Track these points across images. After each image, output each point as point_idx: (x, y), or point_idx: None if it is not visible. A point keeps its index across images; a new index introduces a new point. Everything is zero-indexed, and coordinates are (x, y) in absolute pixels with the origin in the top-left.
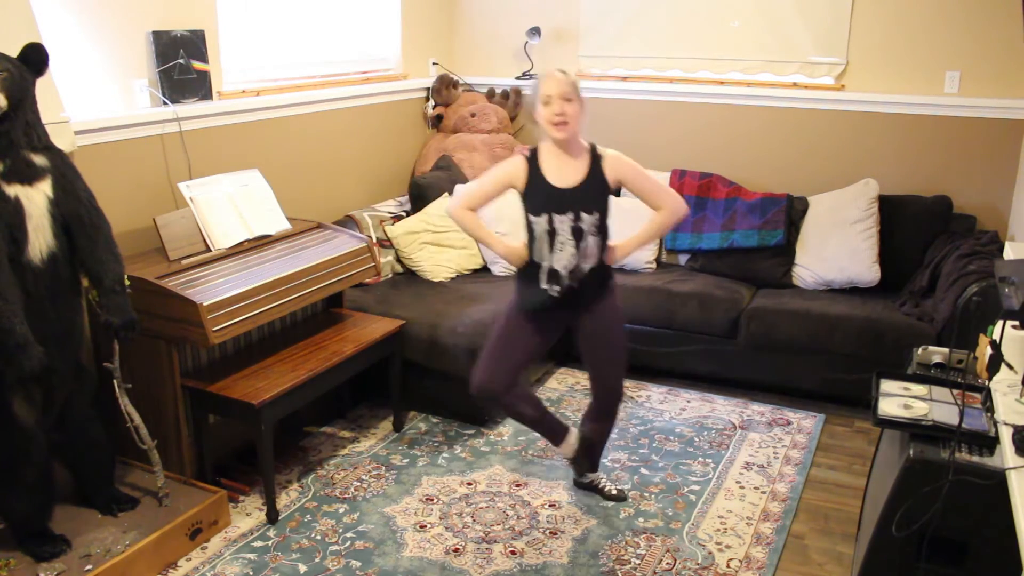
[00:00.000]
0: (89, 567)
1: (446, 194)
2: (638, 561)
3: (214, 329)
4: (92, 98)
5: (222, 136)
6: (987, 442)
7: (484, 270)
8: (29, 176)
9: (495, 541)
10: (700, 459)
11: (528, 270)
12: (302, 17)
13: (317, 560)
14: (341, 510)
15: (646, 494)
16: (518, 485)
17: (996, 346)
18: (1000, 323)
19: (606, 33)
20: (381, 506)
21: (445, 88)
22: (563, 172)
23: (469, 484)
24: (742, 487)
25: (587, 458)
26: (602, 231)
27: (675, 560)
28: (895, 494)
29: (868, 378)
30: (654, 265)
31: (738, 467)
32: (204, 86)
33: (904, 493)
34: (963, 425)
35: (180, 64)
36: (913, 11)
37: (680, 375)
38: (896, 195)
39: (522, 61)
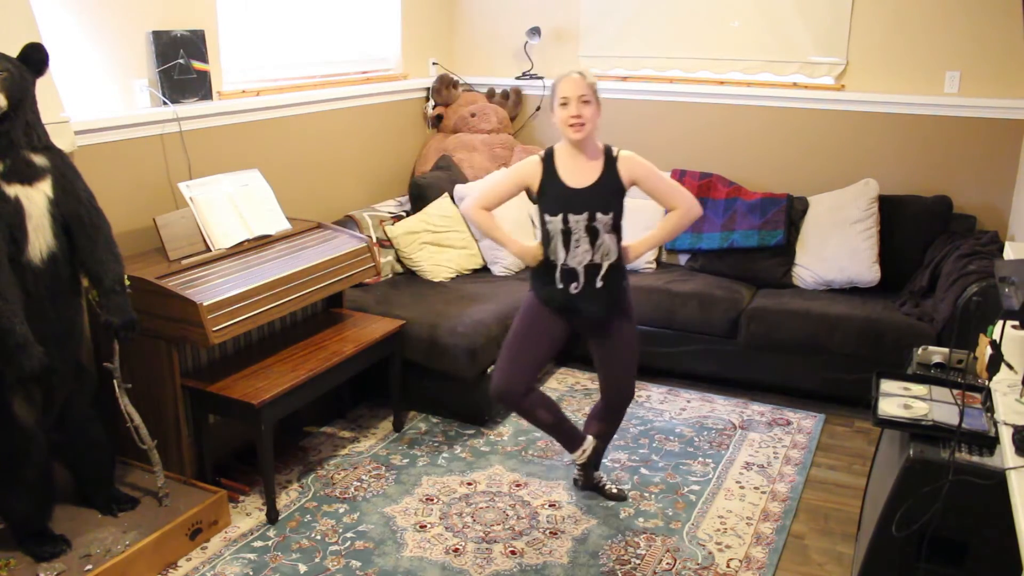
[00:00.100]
0: (89, 567)
1: (446, 194)
2: (638, 561)
3: (214, 329)
4: (92, 98)
5: (222, 136)
6: (987, 442)
7: (484, 270)
8: (29, 176)
9: (495, 541)
10: (700, 459)
11: (543, 269)
12: (302, 17)
13: (317, 560)
14: (341, 510)
15: (646, 494)
16: (518, 485)
17: (996, 346)
18: (1000, 323)
19: (606, 33)
20: (381, 506)
21: (445, 88)
22: (578, 172)
23: (469, 484)
24: (742, 487)
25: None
26: (616, 230)
27: (675, 560)
28: (895, 494)
29: (868, 378)
30: (654, 265)
31: (738, 467)
32: (204, 86)
33: (904, 493)
34: (963, 425)
35: (180, 64)
36: (913, 11)
37: (680, 375)
38: (896, 195)
39: (522, 61)
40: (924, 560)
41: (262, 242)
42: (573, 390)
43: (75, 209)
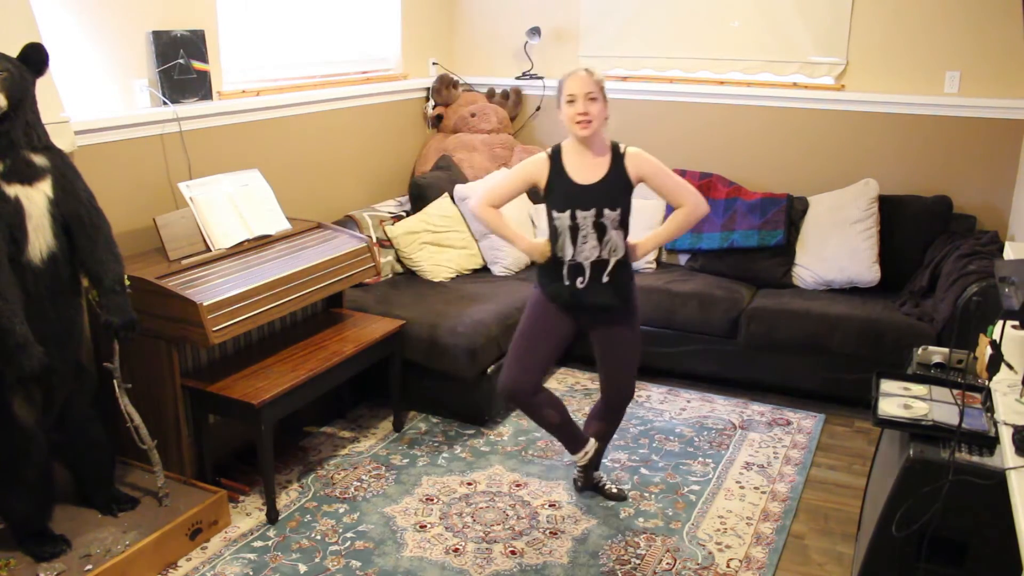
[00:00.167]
0: (89, 567)
1: (446, 194)
2: (638, 561)
3: (214, 329)
4: (92, 98)
5: (222, 136)
6: (987, 442)
7: (484, 270)
8: (29, 176)
9: (495, 541)
10: (700, 459)
11: (550, 266)
12: (302, 17)
13: (317, 560)
14: (341, 510)
15: (646, 494)
16: (518, 485)
17: (996, 346)
18: (1000, 323)
19: (606, 33)
20: (381, 506)
21: (445, 88)
22: (586, 169)
23: (469, 484)
24: (742, 487)
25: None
26: (624, 227)
27: (675, 560)
28: (895, 494)
29: (868, 378)
30: (654, 265)
31: (738, 467)
32: (204, 86)
33: (904, 493)
34: (963, 425)
35: (180, 64)
36: (913, 11)
37: (680, 375)
38: (896, 195)
39: (522, 61)
40: (924, 560)
41: (262, 242)
42: (573, 390)
43: (75, 209)
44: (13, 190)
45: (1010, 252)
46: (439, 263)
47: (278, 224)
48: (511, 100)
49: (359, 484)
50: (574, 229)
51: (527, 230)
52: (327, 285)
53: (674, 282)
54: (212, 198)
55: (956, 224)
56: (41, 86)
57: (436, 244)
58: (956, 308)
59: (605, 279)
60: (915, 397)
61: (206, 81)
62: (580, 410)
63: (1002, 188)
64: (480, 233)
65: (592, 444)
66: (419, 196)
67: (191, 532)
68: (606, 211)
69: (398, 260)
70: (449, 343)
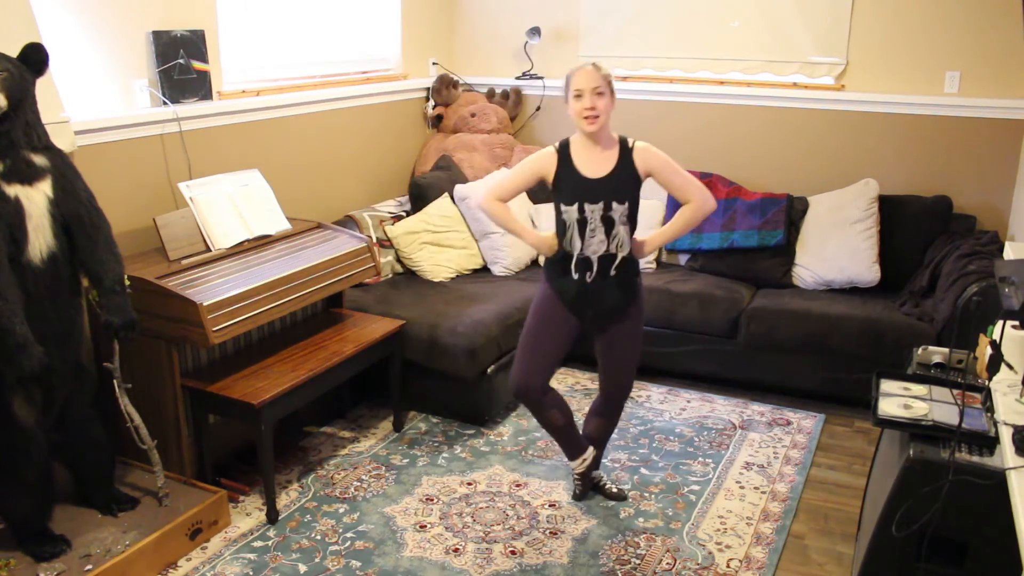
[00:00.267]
0: (89, 567)
1: (446, 194)
2: (638, 561)
3: (214, 329)
4: (92, 98)
5: (222, 136)
6: (987, 442)
7: (484, 270)
8: (29, 176)
9: (495, 541)
10: (700, 459)
11: (558, 260)
12: (302, 17)
13: (317, 560)
14: (341, 510)
15: (646, 494)
16: (518, 485)
17: (996, 346)
18: (1000, 323)
19: (606, 33)
20: (381, 506)
21: (445, 88)
22: (594, 163)
23: (469, 484)
24: (742, 487)
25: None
26: (632, 221)
27: (675, 560)
28: (895, 494)
29: (868, 378)
30: (654, 265)
31: (738, 467)
32: (204, 86)
33: (904, 493)
34: (963, 425)
35: (180, 64)
36: (913, 11)
37: (680, 375)
38: (896, 195)
39: (522, 61)
40: (924, 560)
41: (262, 242)
42: (573, 390)
43: (75, 209)
44: (13, 190)
45: (1010, 252)
46: (439, 263)
47: (278, 224)
48: (511, 100)
49: (359, 484)
50: (582, 223)
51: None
52: (327, 285)
53: (674, 282)
54: (212, 198)
55: (956, 224)
56: (41, 86)
57: (436, 244)
58: (956, 308)
59: (612, 273)
60: (915, 397)
61: (206, 81)
62: (580, 410)
63: (1002, 188)
64: (480, 233)
65: (591, 452)
66: (419, 196)
67: (191, 532)
68: (614, 204)
69: (398, 260)
70: (449, 343)
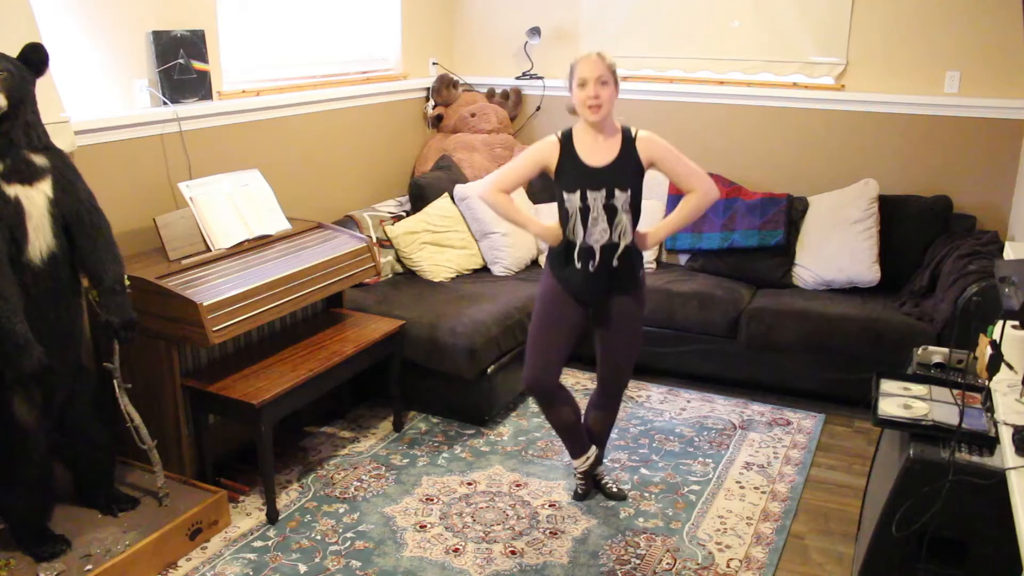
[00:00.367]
0: (89, 567)
1: (446, 194)
2: (638, 561)
3: (214, 329)
4: (92, 98)
5: (222, 136)
6: (987, 442)
7: (484, 270)
8: (29, 176)
9: (495, 541)
10: (700, 459)
11: (561, 250)
12: (302, 17)
13: (317, 560)
14: (341, 510)
15: (646, 494)
16: (518, 485)
17: (996, 346)
18: (1000, 323)
19: (606, 33)
20: (381, 506)
21: (445, 88)
22: (597, 151)
23: (469, 484)
24: (742, 487)
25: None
26: (634, 210)
27: (675, 560)
28: (895, 494)
29: (868, 378)
30: (654, 265)
31: (738, 467)
32: (204, 86)
33: (904, 493)
34: (963, 425)
35: (180, 64)
36: (913, 11)
37: (680, 375)
38: (896, 195)
39: (522, 61)
40: (924, 560)
41: (262, 242)
42: (573, 390)
43: (75, 209)
44: (13, 190)
45: (1010, 252)
46: (439, 263)
47: (278, 224)
48: (511, 100)
49: (359, 484)
50: (584, 211)
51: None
52: (327, 285)
53: (674, 282)
54: (212, 198)
55: (956, 224)
56: (41, 86)
57: (436, 244)
58: (956, 308)
59: (615, 263)
60: (915, 397)
61: (206, 81)
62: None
63: (1002, 188)
64: (480, 233)
65: (593, 451)
66: (419, 196)
67: (191, 532)
68: (617, 192)
69: (398, 260)
70: (449, 343)
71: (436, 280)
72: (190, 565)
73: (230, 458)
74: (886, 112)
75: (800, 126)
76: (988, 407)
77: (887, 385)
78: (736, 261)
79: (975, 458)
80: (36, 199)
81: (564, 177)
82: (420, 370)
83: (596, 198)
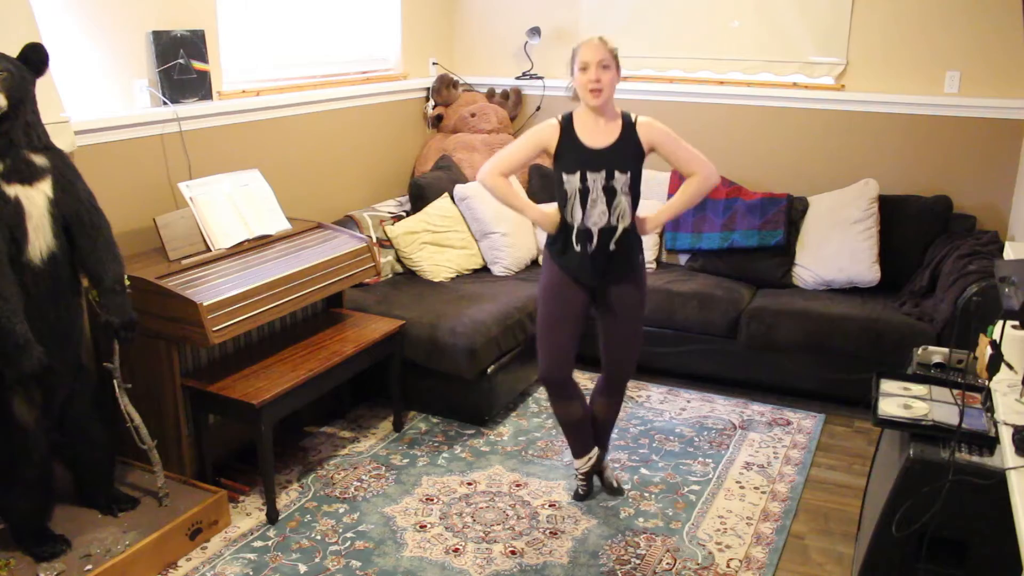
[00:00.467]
0: (89, 567)
1: (446, 194)
2: (638, 561)
3: (214, 329)
4: (92, 98)
5: (222, 136)
6: (987, 442)
7: (484, 270)
8: (29, 176)
9: (495, 541)
10: (700, 459)
11: (559, 237)
12: (302, 17)
13: (317, 560)
14: (341, 510)
15: (646, 494)
16: (518, 485)
17: (996, 346)
18: (1000, 323)
19: (606, 33)
20: (381, 506)
21: (445, 88)
22: (597, 134)
23: (469, 484)
24: (742, 487)
25: (599, 439)
26: (634, 193)
27: (675, 560)
28: (895, 494)
29: (868, 378)
30: (654, 265)
31: (738, 467)
32: (204, 86)
33: (904, 493)
34: (963, 425)
35: (180, 64)
36: (913, 11)
37: (680, 375)
38: (896, 195)
39: (522, 61)
40: (924, 560)
41: (262, 242)
42: None
43: (75, 209)
44: (13, 190)
45: (1010, 252)
46: (439, 263)
47: (278, 224)
48: (511, 100)
49: (359, 484)
50: (584, 192)
51: (526, 225)
52: (327, 285)
53: (674, 282)
54: (212, 198)
55: (956, 224)
56: (41, 86)
57: (436, 244)
58: (956, 308)
59: (612, 247)
60: (915, 397)
61: (206, 81)
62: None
63: (1002, 188)
64: (480, 233)
65: (596, 452)
66: (419, 196)
67: (191, 532)
68: (616, 174)
69: (398, 260)
70: (449, 343)
71: (436, 280)
72: (190, 565)
73: (230, 458)
74: (886, 112)
75: (800, 126)
76: (988, 407)
77: (887, 385)
78: (736, 261)
79: (975, 458)
80: (36, 199)
81: (564, 159)
82: (420, 370)
83: (596, 179)
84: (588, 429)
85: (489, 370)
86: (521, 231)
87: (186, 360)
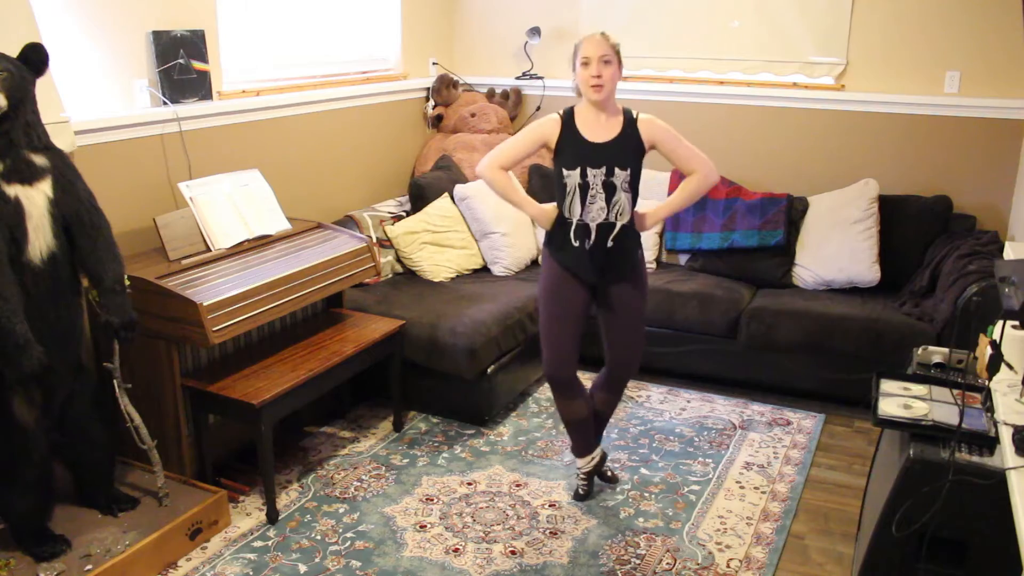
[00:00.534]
0: (89, 567)
1: (446, 194)
2: (638, 561)
3: (214, 329)
4: (92, 98)
5: (222, 136)
6: (987, 442)
7: (484, 270)
8: (29, 176)
9: (495, 541)
10: (700, 459)
11: (557, 233)
12: (302, 17)
13: (317, 560)
14: (341, 510)
15: (646, 494)
16: (518, 485)
17: (996, 346)
18: (1000, 323)
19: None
20: (381, 506)
21: (445, 88)
22: (598, 128)
23: (469, 484)
24: (742, 487)
25: (595, 432)
26: (633, 190)
27: (675, 560)
28: (895, 494)
29: (868, 378)
30: (654, 265)
31: (738, 467)
32: (204, 86)
33: (904, 493)
34: (963, 425)
35: (180, 64)
36: (913, 11)
37: (680, 375)
38: (896, 195)
39: (522, 61)
40: (924, 560)
41: (262, 242)
42: None
43: (75, 209)
44: (13, 190)
45: (1010, 252)
46: (439, 263)
47: (278, 224)
48: (511, 100)
49: (359, 484)
50: (583, 187)
51: (526, 225)
52: (327, 285)
53: (674, 282)
54: (212, 198)
55: (956, 224)
56: (41, 86)
57: (436, 244)
58: (956, 308)
59: (610, 243)
60: (915, 397)
61: (206, 81)
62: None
63: (1002, 188)
64: (480, 233)
65: (599, 452)
66: (419, 196)
67: (191, 532)
68: (616, 170)
69: (398, 260)
70: (449, 343)
71: (436, 280)
72: (190, 565)
73: (230, 458)
74: (886, 112)
75: (800, 126)
76: (988, 407)
77: (887, 385)
78: (736, 261)
79: (975, 458)
80: (36, 199)
81: (564, 153)
82: (420, 370)
83: (596, 175)
84: (592, 428)
85: (489, 370)
86: (521, 231)
87: (186, 360)
